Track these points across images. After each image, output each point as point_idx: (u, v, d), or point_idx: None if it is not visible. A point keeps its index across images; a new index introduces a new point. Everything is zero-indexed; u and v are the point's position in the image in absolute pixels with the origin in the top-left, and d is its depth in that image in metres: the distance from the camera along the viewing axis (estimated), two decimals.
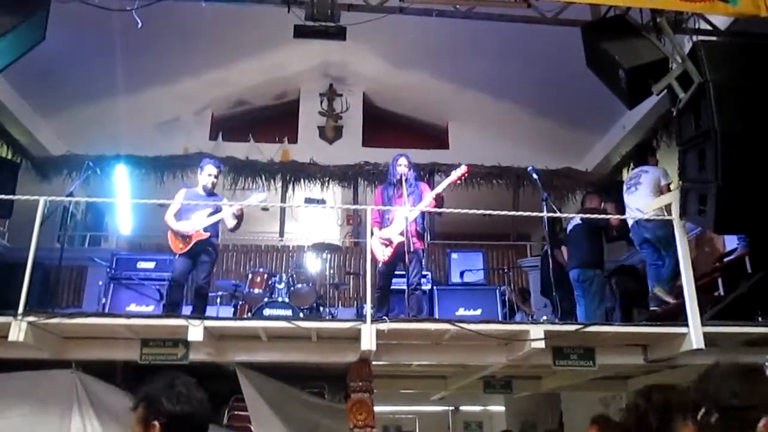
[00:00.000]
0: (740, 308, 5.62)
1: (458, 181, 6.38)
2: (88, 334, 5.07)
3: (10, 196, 6.27)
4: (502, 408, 12.25)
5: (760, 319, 5.61)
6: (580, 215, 6.83)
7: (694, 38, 5.62)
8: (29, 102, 9.58)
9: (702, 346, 4.89)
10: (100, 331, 4.97)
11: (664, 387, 2.18)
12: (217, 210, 6.12)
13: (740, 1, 5.40)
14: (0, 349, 4.74)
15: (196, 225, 6.01)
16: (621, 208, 6.86)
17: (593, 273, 6.55)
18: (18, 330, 4.49)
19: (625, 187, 6.75)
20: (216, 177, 6.30)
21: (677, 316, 5.25)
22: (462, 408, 13.34)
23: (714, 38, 5.84)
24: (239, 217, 6.18)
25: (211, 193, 6.31)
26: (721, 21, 6.00)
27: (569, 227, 7.03)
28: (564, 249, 7.15)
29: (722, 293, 6.16)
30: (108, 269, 7.75)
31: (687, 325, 4.98)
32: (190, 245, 5.99)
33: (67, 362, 5.20)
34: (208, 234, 6.05)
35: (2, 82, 8.48)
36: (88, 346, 5.13)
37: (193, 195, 6.27)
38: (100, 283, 7.89)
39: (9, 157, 9.18)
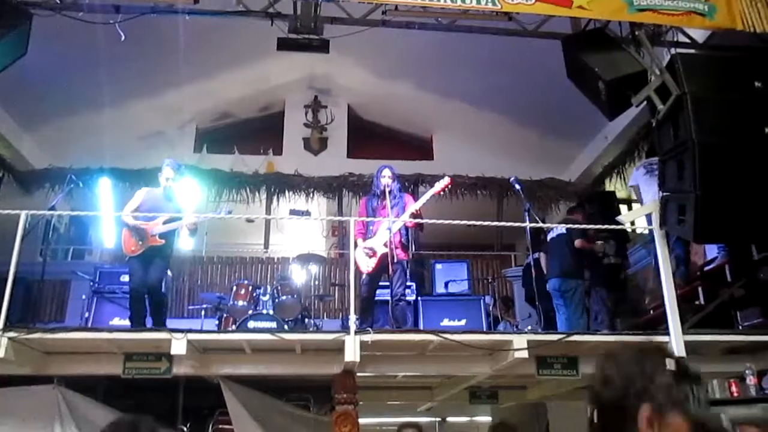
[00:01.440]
0: (721, 317, 5.69)
1: (442, 192, 6.41)
2: (70, 349, 5.03)
3: None
4: (488, 418, 12.22)
5: (740, 327, 5.69)
6: (565, 225, 6.85)
7: (673, 51, 5.71)
8: (12, 115, 9.53)
9: (683, 354, 4.94)
10: (83, 345, 4.93)
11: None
12: (175, 218, 5.84)
13: (717, 15, 5.52)
14: None
15: (152, 229, 5.76)
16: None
17: (575, 283, 6.57)
18: None
19: (643, 170, 6.61)
20: (172, 180, 6.00)
21: (659, 324, 5.31)
22: (449, 419, 13.28)
23: (692, 51, 5.94)
24: (193, 231, 5.97)
25: (170, 197, 6.04)
26: (699, 34, 6.11)
27: (550, 236, 7.04)
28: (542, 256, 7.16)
29: (703, 302, 6.23)
30: (91, 283, 7.69)
31: (668, 334, 5.04)
32: (144, 249, 5.73)
33: (49, 378, 5.15)
34: (163, 242, 5.79)
35: None
36: (71, 361, 5.09)
37: (155, 196, 6.02)
38: (84, 296, 7.82)
39: None
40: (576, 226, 6.67)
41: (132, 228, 5.79)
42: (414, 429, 4.84)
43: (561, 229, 6.88)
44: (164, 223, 5.80)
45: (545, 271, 6.87)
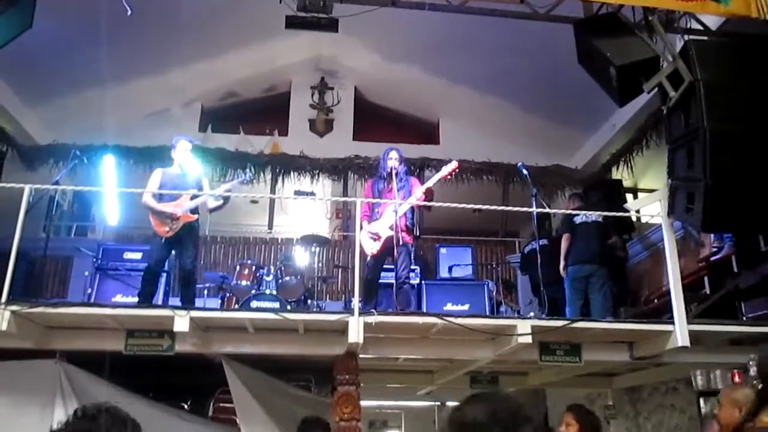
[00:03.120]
0: (725, 307, 5.67)
1: (448, 177, 6.37)
2: (72, 324, 5.02)
3: None
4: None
5: (744, 318, 5.66)
6: (600, 213, 6.73)
7: (686, 37, 5.63)
8: (16, 90, 9.46)
9: (687, 344, 4.93)
10: (85, 321, 4.92)
11: None
12: (200, 191, 5.93)
13: (731, 2, 5.42)
14: None
15: (182, 207, 5.80)
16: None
17: (605, 271, 6.56)
18: (1, 319, 4.44)
19: None
20: (191, 151, 6.11)
21: (663, 313, 5.29)
22: (448, 403, 13.31)
23: (705, 38, 5.86)
24: (226, 199, 6.06)
25: (188, 171, 6.09)
26: (713, 21, 6.02)
27: (581, 220, 6.88)
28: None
29: (708, 292, 6.20)
30: (94, 259, 7.69)
31: (673, 323, 5.01)
32: (178, 228, 5.76)
33: (52, 352, 5.15)
34: (195, 216, 5.87)
35: None
36: (73, 336, 5.08)
37: (172, 176, 6.03)
38: (86, 273, 7.82)
39: None
40: (609, 213, 6.59)
41: (158, 213, 5.79)
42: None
43: (594, 216, 6.79)
44: (192, 198, 5.86)
45: (564, 254, 6.80)
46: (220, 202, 6.06)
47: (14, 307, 4.52)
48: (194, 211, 5.87)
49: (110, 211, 10.36)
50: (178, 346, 4.95)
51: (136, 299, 7.03)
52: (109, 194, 10.10)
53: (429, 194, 6.04)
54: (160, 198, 5.86)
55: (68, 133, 9.86)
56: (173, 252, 6.02)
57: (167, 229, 5.75)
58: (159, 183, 5.94)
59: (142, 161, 10.16)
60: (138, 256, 7.62)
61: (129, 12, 5.73)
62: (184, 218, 5.78)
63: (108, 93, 9.99)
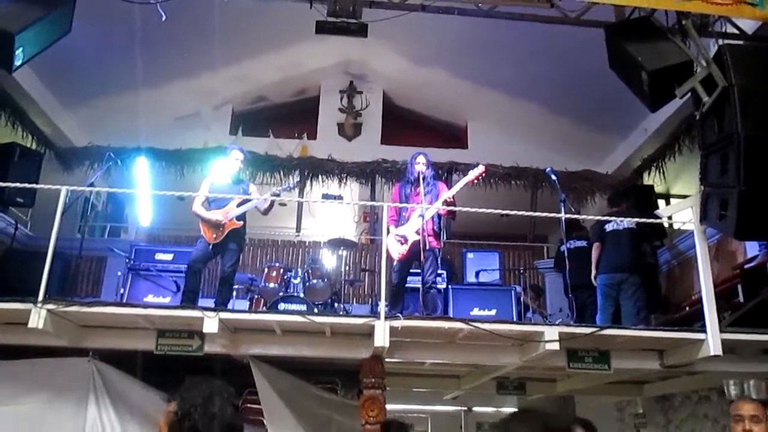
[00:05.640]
0: (760, 315, 5.54)
1: (476, 181, 6.35)
2: (105, 324, 5.13)
3: (33, 185, 6.34)
4: (515, 410, 12.17)
5: None
6: (632, 219, 6.63)
7: (720, 41, 5.54)
8: (54, 93, 9.70)
9: (719, 352, 4.84)
10: (118, 320, 5.02)
11: None
12: (247, 200, 6.14)
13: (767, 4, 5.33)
14: (19, 336, 4.82)
15: (228, 214, 6.01)
16: None
17: (637, 279, 6.48)
18: (37, 317, 4.56)
19: None
20: (242, 162, 6.38)
21: (694, 321, 5.20)
22: (475, 409, 13.27)
23: (740, 42, 5.76)
24: (270, 205, 6.26)
25: (237, 180, 6.34)
26: (748, 25, 5.92)
27: (612, 227, 6.80)
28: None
29: (742, 300, 6.08)
30: (127, 260, 7.82)
31: (705, 332, 4.93)
32: (224, 235, 5.99)
33: (85, 350, 5.26)
34: (241, 223, 6.08)
35: (29, 73, 8.57)
36: (106, 335, 5.19)
37: (221, 185, 6.27)
38: (119, 273, 7.95)
39: (33, 147, 9.29)
40: (639, 219, 6.50)
41: (206, 220, 6.02)
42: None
43: (626, 222, 6.69)
44: (238, 205, 6.06)
45: (595, 263, 6.72)
46: (266, 206, 6.24)
47: (50, 306, 4.63)
48: (240, 218, 6.07)
49: (143, 213, 10.54)
50: (207, 347, 5.03)
51: (167, 299, 7.18)
52: (142, 196, 10.28)
53: (449, 203, 6.02)
54: (208, 206, 6.10)
55: (103, 136, 10.06)
56: (216, 255, 6.21)
57: (215, 235, 6.00)
58: (208, 192, 6.18)
59: (173, 163, 10.35)
60: (169, 257, 7.73)
61: (163, 17, 5.84)
62: (229, 225, 6.00)
63: (141, 96, 10.19)
